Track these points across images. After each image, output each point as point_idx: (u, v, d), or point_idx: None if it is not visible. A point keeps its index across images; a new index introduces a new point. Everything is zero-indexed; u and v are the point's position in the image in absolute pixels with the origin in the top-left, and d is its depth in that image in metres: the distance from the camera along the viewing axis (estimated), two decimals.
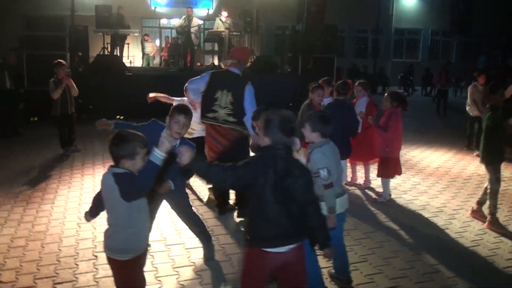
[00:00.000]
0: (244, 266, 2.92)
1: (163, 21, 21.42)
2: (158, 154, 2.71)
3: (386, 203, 6.05)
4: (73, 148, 8.27)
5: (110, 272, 3.71)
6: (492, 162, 5.30)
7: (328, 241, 2.94)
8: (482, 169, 7.91)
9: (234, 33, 14.80)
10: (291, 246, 2.79)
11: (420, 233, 5.19)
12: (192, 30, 13.38)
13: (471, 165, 8.27)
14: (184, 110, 3.73)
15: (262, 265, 2.82)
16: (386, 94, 6.03)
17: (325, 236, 2.94)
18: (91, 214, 3.21)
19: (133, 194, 2.76)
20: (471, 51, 26.42)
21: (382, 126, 5.87)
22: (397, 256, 4.56)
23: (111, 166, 2.85)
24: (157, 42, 20.63)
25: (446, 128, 12.37)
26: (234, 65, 5.27)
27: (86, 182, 6.63)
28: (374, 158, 6.53)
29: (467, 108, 9.17)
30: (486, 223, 5.42)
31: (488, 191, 5.38)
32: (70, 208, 5.58)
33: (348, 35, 23.99)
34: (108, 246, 2.91)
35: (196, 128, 5.77)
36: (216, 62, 15.49)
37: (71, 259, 4.25)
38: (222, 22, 14.18)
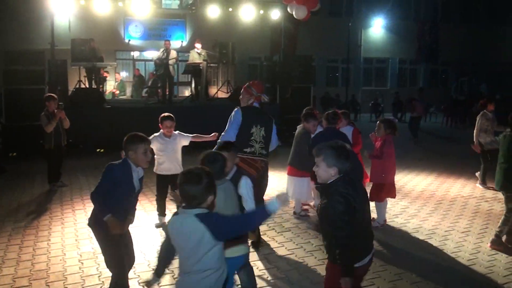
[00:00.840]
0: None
1: (136, 54, 21.56)
2: (276, 206, 2.75)
3: (381, 227, 6.19)
4: (59, 183, 8.14)
5: None
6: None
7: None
8: (465, 191, 8.26)
9: (211, 64, 15.00)
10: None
11: (418, 256, 5.34)
12: (170, 62, 13.51)
13: (453, 188, 8.55)
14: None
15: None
16: (378, 122, 6.27)
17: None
18: (159, 273, 3.04)
19: (229, 234, 2.73)
20: (438, 78, 27.46)
21: (378, 154, 6.06)
22: (402, 279, 4.69)
23: (184, 207, 2.70)
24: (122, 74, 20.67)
25: (423, 152, 12.73)
26: (257, 99, 5.54)
27: (79, 217, 6.52)
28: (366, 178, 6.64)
29: (479, 139, 8.48)
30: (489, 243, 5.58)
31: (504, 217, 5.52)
32: (68, 244, 5.48)
33: (319, 65, 24.57)
34: None
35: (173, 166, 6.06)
36: (187, 94, 15.68)
37: None
38: (198, 54, 14.36)
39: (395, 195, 6.44)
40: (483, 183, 8.59)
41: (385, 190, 6.20)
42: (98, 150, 11.68)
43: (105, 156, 10.77)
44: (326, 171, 3.17)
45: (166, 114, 6.07)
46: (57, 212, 6.78)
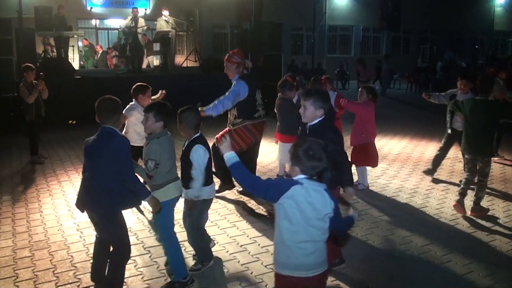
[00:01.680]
0: None
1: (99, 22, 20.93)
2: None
3: (366, 189, 6.44)
4: (40, 154, 7.96)
5: (133, 272, 3.80)
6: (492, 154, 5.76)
7: None
8: None
9: (180, 33, 14.76)
10: None
11: (405, 213, 5.62)
12: (139, 30, 13.22)
13: (428, 150, 8.93)
14: None
15: None
16: (360, 89, 6.44)
17: None
18: None
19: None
20: (400, 46, 28.05)
21: (357, 105, 6.28)
22: (394, 234, 4.96)
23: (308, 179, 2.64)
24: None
25: (394, 116, 13.09)
26: (244, 66, 5.71)
27: (67, 188, 6.46)
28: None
29: None
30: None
31: (482, 183, 5.52)
32: (62, 215, 5.46)
33: (285, 33, 24.52)
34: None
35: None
36: (155, 63, 15.39)
37: (87, 263, 4.20)
38: (166, 22, 14.09)
39: (377, 163, 6.65)
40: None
41: (368, 152, 6.39)
42: (70, 122, 11.43)
43: (78, 128, 10.59)
44: (313, 113, 3.64)
45: (143, 84, 5.59)
46: (43, 184, 6.67)
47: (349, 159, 4.09)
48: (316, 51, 24.70)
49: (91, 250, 4.42)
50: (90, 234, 4.81)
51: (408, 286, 3.98)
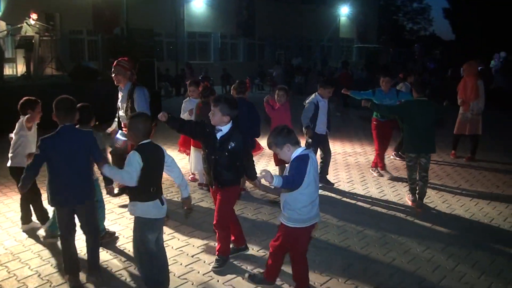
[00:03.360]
0: None
1: None
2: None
3: None
4: None
5: None
6: None
7: None
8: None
9: (44, 37, 13.57)
10: None
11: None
12: (0, 35, 11.94)
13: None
14: None
15: None
16: (278, 90, 6.77)
17: None
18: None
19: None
20: (256, 52, 29.48)
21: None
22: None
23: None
24: None
25: None
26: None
27: None
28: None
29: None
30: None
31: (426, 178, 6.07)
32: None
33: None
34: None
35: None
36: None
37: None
38: (30, 26, 12.93)
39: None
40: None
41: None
42: None
43: None
44: (220, 119, 4.12)
45: (31, 98, 5.04)
46: None
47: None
48: (177, 58, 24.76)
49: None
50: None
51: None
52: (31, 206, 5.25)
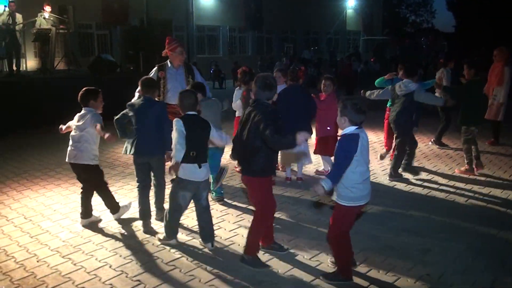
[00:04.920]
0: None
1: None
2: None
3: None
4: None
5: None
6: None
7: None
8: None
9: (60, 30, 13.33)
10: None
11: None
12: (17, 28, 11.71)
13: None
14: None
15: None
16: (324, 80, 6.54)
17: None
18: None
19: None
20: (264, 45, 29.26)
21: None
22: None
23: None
24: None
25: None
26: None
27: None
28: None
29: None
30: None
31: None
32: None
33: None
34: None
35: None
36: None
37: None
38: (45, 20, 12.69)
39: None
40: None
41: (331, 143, 6.55)
42: None
43: None
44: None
45: (91, 87, 4.98)
46: None
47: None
48: (186, 51, 24.53)
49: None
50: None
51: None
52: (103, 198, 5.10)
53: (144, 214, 4.92)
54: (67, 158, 4.91)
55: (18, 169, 7.30)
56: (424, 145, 8.75)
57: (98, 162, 4.98)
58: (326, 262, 4.10)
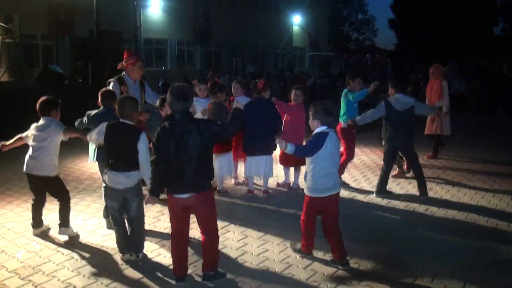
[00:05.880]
0: None
1: None
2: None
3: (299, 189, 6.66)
4: None
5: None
6: None
7: None
8: None
9: (6, 40, 12.74)
10: None
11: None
12: None
13: None
14: None
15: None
16: (294, 90, 6.58)
17: None
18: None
19: None
20: (213, 59, 29.28)
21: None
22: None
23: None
24: None
25: None
26: None
27: None
28: None
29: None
30: None
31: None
32: None
33: None
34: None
35: None
36: None
37: None
38: None
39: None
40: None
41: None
42: None
43: None
44: None
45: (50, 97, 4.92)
46: None
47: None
48: None
49: None
50: None
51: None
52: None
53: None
54: (24, 168, 4.76)
55: None
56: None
57: (57, 172, 4.86)
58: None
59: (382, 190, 6.44)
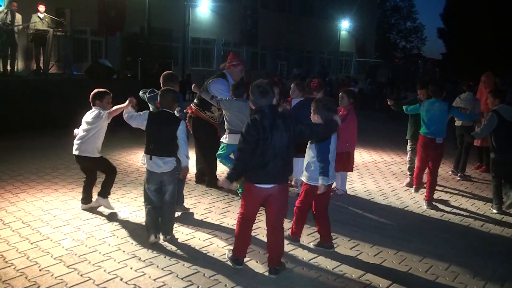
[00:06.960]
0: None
1: None
2: None
3: (345, 195, 6.43)
4: None
5: None
6: None
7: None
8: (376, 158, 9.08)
9: (58, 33, 12.98)
10: None
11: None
12: (16, 29, 11.38)
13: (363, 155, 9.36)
14: None
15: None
16: (341, 93, 6.34)
17: None
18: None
19: None
20: (258, 61, 29.21)
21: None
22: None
23: None
24: None
25: None
26: None
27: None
28: None
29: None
30: None
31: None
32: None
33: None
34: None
35: None
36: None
37: None
38: (41, 20, 12.31)
39: (352, 168, 6.60)
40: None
41: (351, 159, 6.39)
42: None
43: None
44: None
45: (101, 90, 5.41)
46: None
47: None
48: (179, 63, 24.29)
49: None
50: None
51: None
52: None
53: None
54: (73, 151, 5.23)
55: (12, 171, 6.94)
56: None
57: (100, 154, 5.28)
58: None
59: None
